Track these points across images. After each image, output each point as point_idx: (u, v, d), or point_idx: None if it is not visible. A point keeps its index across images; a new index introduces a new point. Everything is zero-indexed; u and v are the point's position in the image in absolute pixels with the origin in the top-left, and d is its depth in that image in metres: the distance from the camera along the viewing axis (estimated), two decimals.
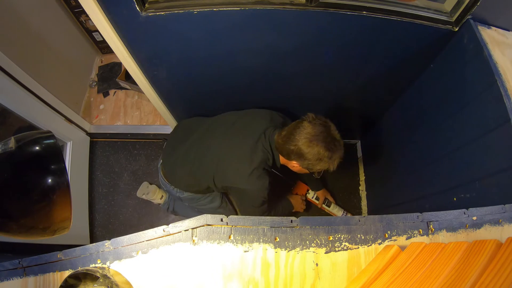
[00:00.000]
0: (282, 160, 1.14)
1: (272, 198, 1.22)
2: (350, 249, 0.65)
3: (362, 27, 0.96)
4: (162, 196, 1.78)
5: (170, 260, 0.63)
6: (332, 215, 1.76)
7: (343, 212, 1.77)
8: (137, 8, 0.87)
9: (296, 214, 1.66)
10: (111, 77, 2.11)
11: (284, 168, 1.21)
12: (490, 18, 0.94)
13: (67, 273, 0.63)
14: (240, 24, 0.95)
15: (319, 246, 0.65)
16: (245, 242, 0.64)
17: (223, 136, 1.18)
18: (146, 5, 0.89)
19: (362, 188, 1.91)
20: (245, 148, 1.11)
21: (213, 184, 1.19)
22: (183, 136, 1.30)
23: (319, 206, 1.76)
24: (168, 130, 1.85)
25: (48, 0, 1.70)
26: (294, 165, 1.10)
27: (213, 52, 1.08)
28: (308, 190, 1.77)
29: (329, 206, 1.76)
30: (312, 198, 1.76)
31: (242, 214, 1.24)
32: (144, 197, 1.77)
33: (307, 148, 0.99)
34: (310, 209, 1.83)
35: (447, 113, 1.06)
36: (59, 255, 0.64)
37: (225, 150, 1.14)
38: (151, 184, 1.83)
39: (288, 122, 1.27)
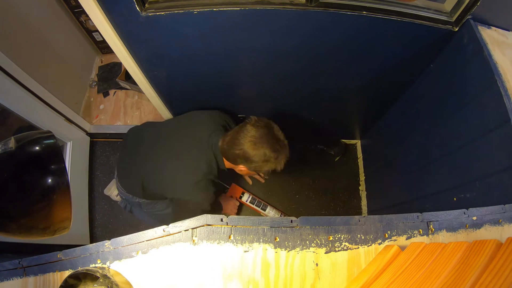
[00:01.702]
0: (228, 164, 1.13)
1: None
2: (350, 249, 0.65)
3: (362, 27, 0.96)
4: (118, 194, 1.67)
5: (170, 260, 0.63)
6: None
7: (281, 215, 1.74)
8: (137, 8, 0.87)
9: None
10: (111, 77, 2.11)
11: (221, 170, 1.19)
12: (490, 18, 0.94)
13: (67, 273, 0.63)
14: (240, 24, 0.95)
15: (319, 246, 0.65)
16: (245, 242, 0.64)
17: (168, 148, 1.16)
18: (146, 5, 0.89)
19: (362, 188, 1.91)
20: (189, 159, 1.11)
21: (162, 196, 1.19)
22: (133, 148, 1.26)
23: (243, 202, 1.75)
24: None
25: (48, 0, 1.70)
26: (242, 169, 1.10)
27: (213, 52, 1.08)
28: (242, 193, 1.76)
29: (264, 210, 1.74)
30: (246, 201, 1.75)
31: (175, 219, 1.25)
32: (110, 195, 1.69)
33: (253, 151, 1.00)
34: (242, 212, 1.80)
35: (447, 113, 1.06)
36: (59, 255, 0.64)
37: (170, 163, 1.13)
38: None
39: (229, 122, 1.28)
